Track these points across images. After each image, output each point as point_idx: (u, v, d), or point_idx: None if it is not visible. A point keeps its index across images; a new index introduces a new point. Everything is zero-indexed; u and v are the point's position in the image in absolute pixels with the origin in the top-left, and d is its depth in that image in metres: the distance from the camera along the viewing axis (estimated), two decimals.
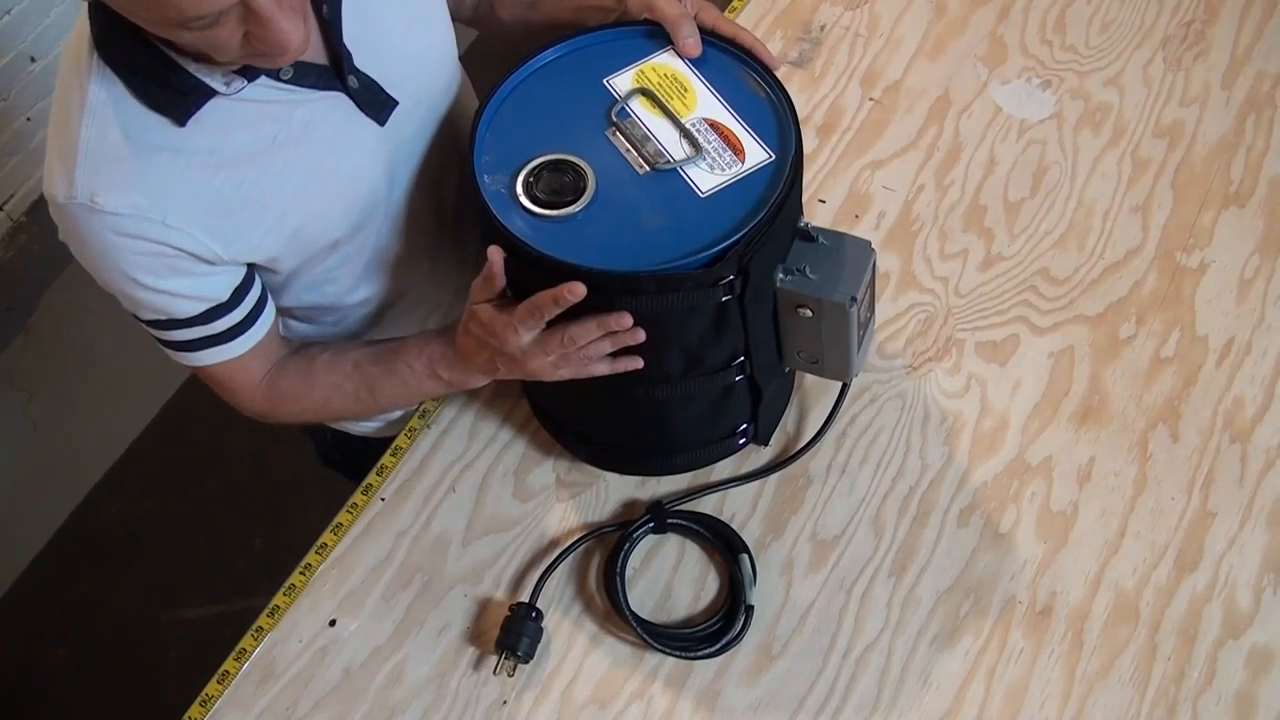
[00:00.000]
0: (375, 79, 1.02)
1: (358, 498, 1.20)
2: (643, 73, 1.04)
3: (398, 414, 1.32)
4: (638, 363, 1.00)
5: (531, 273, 0.95)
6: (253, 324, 1.07)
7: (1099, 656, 1.09)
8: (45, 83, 2.26)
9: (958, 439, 1.20)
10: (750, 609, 1.11)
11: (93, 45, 0.91)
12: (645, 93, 1.03)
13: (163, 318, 1.03)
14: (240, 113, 0.95)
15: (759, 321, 1.02)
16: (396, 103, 1.03)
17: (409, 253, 1.16)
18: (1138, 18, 1.47)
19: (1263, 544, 1.13)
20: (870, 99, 1.43)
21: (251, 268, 1.05)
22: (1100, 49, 1.45)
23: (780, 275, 0.99)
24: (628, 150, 1.00)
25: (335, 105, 1.00)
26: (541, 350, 0.99)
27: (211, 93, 0.93)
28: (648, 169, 0.99)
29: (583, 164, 0.99)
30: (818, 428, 1.19)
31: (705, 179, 0.98)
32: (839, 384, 1.16)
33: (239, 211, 0.98)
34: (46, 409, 2.13)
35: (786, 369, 1.12)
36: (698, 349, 1.02)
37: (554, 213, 0.97)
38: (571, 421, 1.19)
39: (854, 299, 0.98)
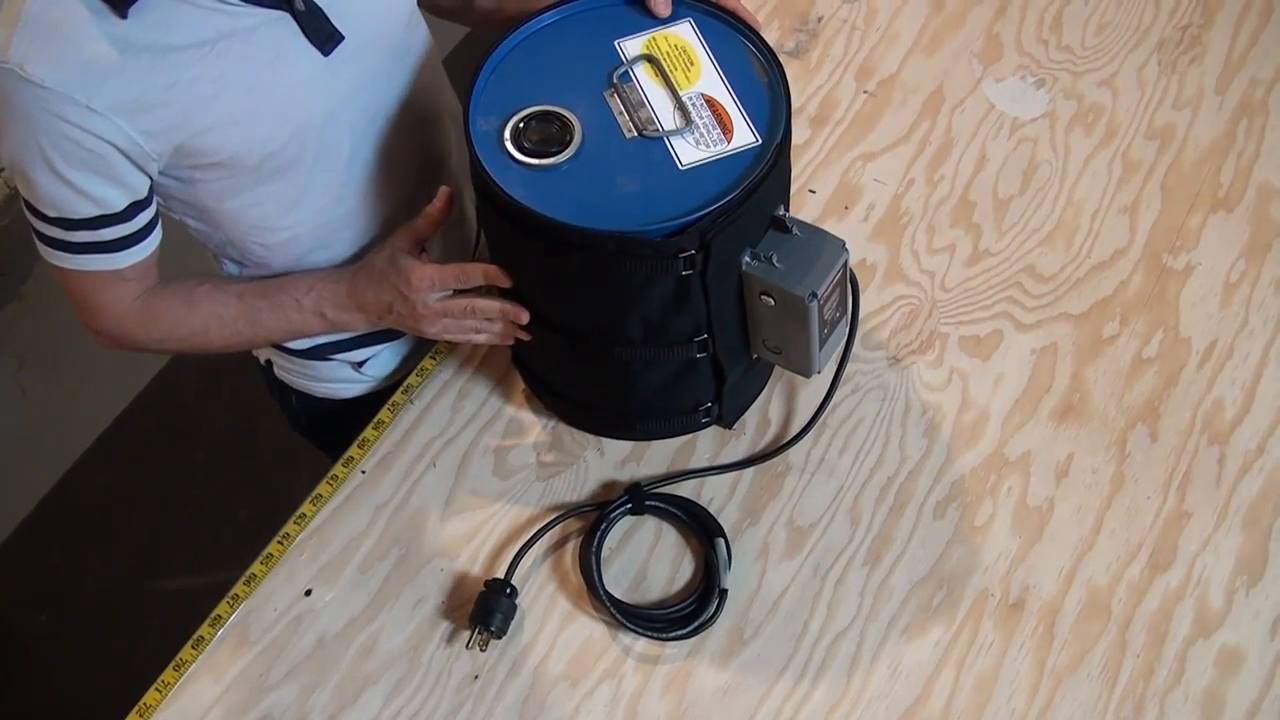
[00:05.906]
0: (322, 7, 1.03)
1: (338, 470, 1.20)
2: (654, 40, 1.05)
3: (358, 384, 1.34)
4: (510, 339, 1.10)
5: (499, 215, 0.98)
6: (141, 240, 1.07)
7: (1069, 651, 1.09)
8: None
9: (937, 431, 1.21)
10: (724, 593, 1.11)
11: None
12: (651, 60, 1.04)
13: (52, 213, 1.02)
14: (184, 13, 0.96)
15: (723, 302, 1.02)
16: (343, 37, 1.04)
17: (346, 194, 1.15)
18: (1134, 19, 1.48)
19: (1237, 545, 1.14)
20: (864, 92, 1.43)
21: (151, 190, 1.05)
22: (1096, 49, 1.46)
23: (747, 259, 1.00)
24: (621, 113, 1.01)
25: (279, 23, 1.01)
26: (442, 311, 1.07)
27: None
28: (635, 134, 1.00)
29: (572, 119, 1.00)
30: (802, 422, 1.20)
31: (688, 152, 0.99)
32: (827, 379, 1.17)
33: (168, 107, 0.98)
34: (37, 376, 2.12)
35: (754, 356, 1.12)
36: (658, 318, 1.02)
37: (535, 161, 0.99)
38: (543, 371, 1.20)
39: (814, 294, 0.98)
